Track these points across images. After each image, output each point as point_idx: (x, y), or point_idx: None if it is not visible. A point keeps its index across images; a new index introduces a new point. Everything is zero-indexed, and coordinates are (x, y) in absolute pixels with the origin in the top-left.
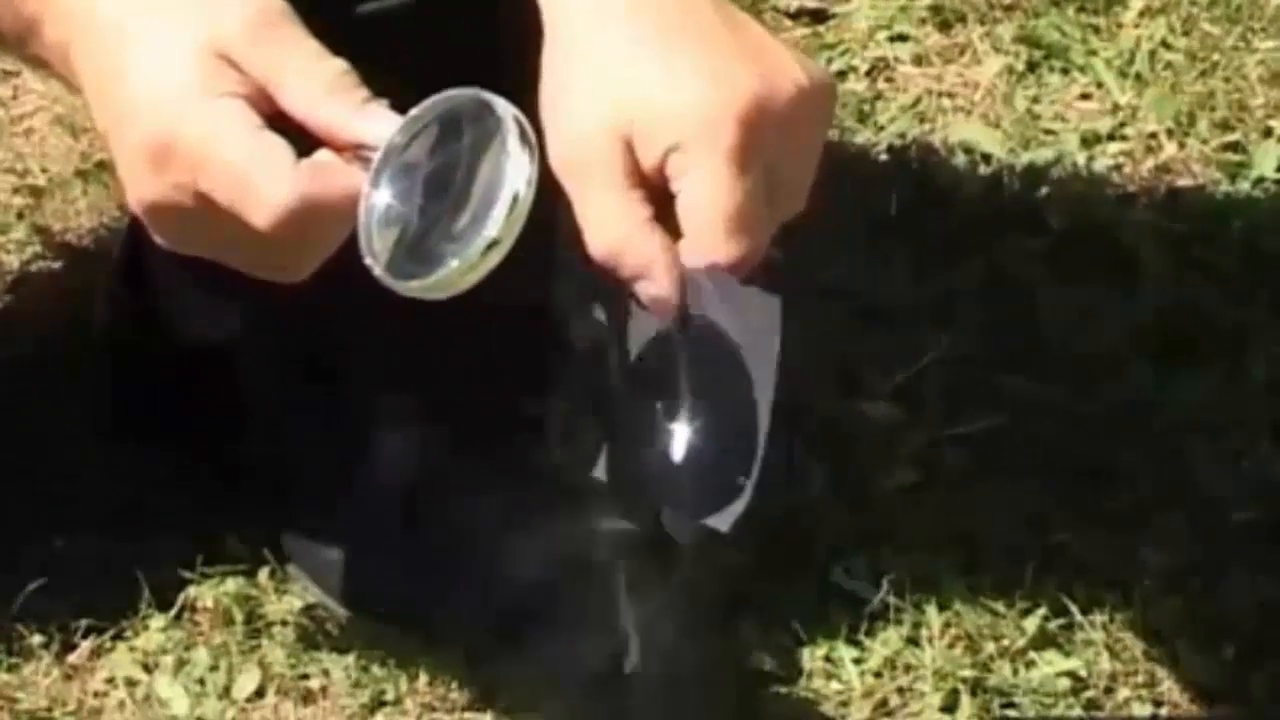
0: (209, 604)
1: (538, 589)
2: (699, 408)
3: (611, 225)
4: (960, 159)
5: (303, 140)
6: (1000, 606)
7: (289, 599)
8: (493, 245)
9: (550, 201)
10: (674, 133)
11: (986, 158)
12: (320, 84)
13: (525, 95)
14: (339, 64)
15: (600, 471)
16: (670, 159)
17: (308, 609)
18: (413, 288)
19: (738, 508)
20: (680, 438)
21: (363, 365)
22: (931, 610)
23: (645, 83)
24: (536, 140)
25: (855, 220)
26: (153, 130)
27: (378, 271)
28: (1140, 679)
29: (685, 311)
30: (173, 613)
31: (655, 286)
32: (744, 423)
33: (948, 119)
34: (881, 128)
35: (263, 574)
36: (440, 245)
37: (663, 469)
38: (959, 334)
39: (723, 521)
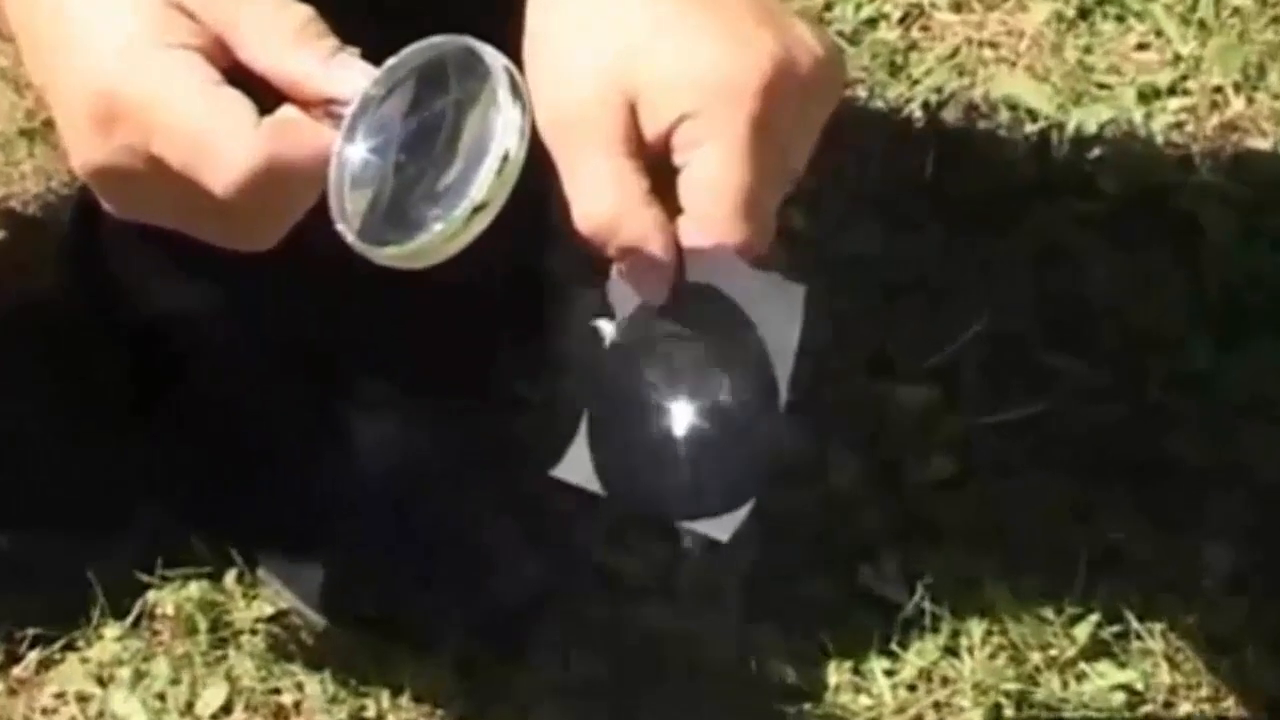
0: (169, 610)
1: (535, 592)
2: (702, 386)
3: (604, 196)
4: (1003, 116)
5: (265, 96)
6: (1047, 612)
7: (258, 605)
8: (480, 208)
9: (543, 162)
10: (689, 99)
11: (1032, 115)
12: (284, 33)
13: (517, 43)
14: (304, 10)
15: (574, 468)
16: (680, 128)
17: (279, 616)
18: (389, 255)
19: (741, 513)
20: (680, 419)
21: (338, 343)
22: (971, 616)
23: (658, 41)
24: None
25: (886, 185)
26: (97, 87)
27: (350, 238)
28: (1203, 692)
29: (682, 291)
30: (129, 620)
31: (649, 266)
32: (754, 411)
33: (989, 71)
34: (916, 81)
35: (229, 577)
36: (421, 209)
37: (659, 455)
38: (1001, 310)
39: (722, 528)
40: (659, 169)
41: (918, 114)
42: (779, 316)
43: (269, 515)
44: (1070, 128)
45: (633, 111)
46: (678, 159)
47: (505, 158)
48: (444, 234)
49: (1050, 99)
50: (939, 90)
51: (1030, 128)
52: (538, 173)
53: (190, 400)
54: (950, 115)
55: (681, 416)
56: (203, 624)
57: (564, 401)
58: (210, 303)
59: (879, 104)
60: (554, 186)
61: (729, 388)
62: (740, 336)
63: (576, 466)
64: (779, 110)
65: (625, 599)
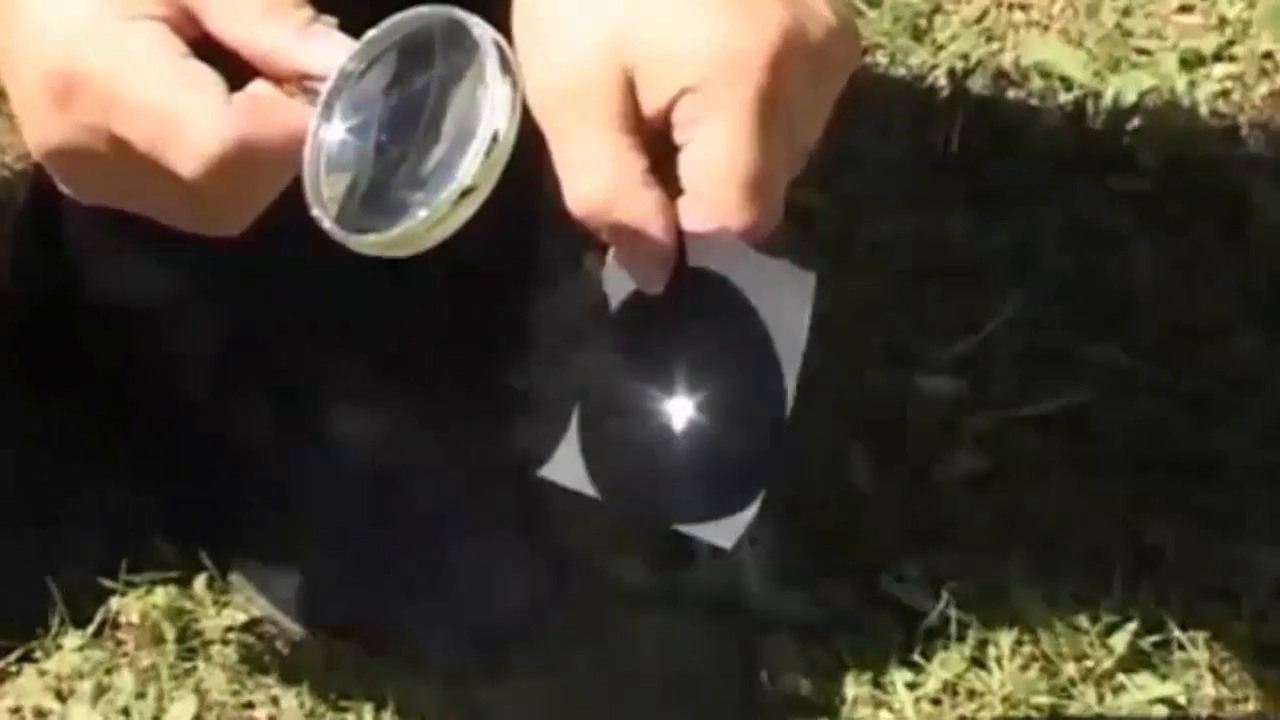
0: (134, 618)
1: (527, 599)
2: (703, 380)
3: (599, 175)
4: (1035, 85)
5: (236, 70)
6: (1082, 620)
7: (230, 612)
8: (467, 192)
9: (534, 141)
10: (691, 72)
11: (1066, 83)
12: (255, 1)
13: (506, 14)
14: None
15: (564, 469)
16: (681, 103)
17: (252, 624)
18: (369, 243)
19: (745, 516)
20: (679, 416)
21: (315, 334)
22: (1000, 625)
23: (657, 9)
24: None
25: (908, 159)
26: (54, 60)
27: (327, 225)
28: (1250, 707)
29: (682, 278)
30: (91, 629)
31: (646, 251)
32: (760, 407)
33: (1020, 36)
34: (940, 47)
35: (198, 583)
36: (403, 193)
37: (656, 455)
38: (1032, 296)
39: (725, 534)
40: (658, 147)
41: (942, 83)
42: (787, 305)
43: (241, 516)
44: (1107, 97)
45: (630, 85)
46: (679, 136)
47: (494, 138)
48: (428, 220)
49: (1086, 66)
50: (965, 57)
51: (1064, 97)
52: (528, 153)
53: (155, 394)
54: (977, 84)
55: (680, 413)
56: (170, 633)
57: (554, 397)
58: (176, 290)
59: (900, 72)
60: (546, 167)
61: (732, 382)
62: (745, 327)
63: (567, 467)
64: (788, 83)
65: (622, 607)
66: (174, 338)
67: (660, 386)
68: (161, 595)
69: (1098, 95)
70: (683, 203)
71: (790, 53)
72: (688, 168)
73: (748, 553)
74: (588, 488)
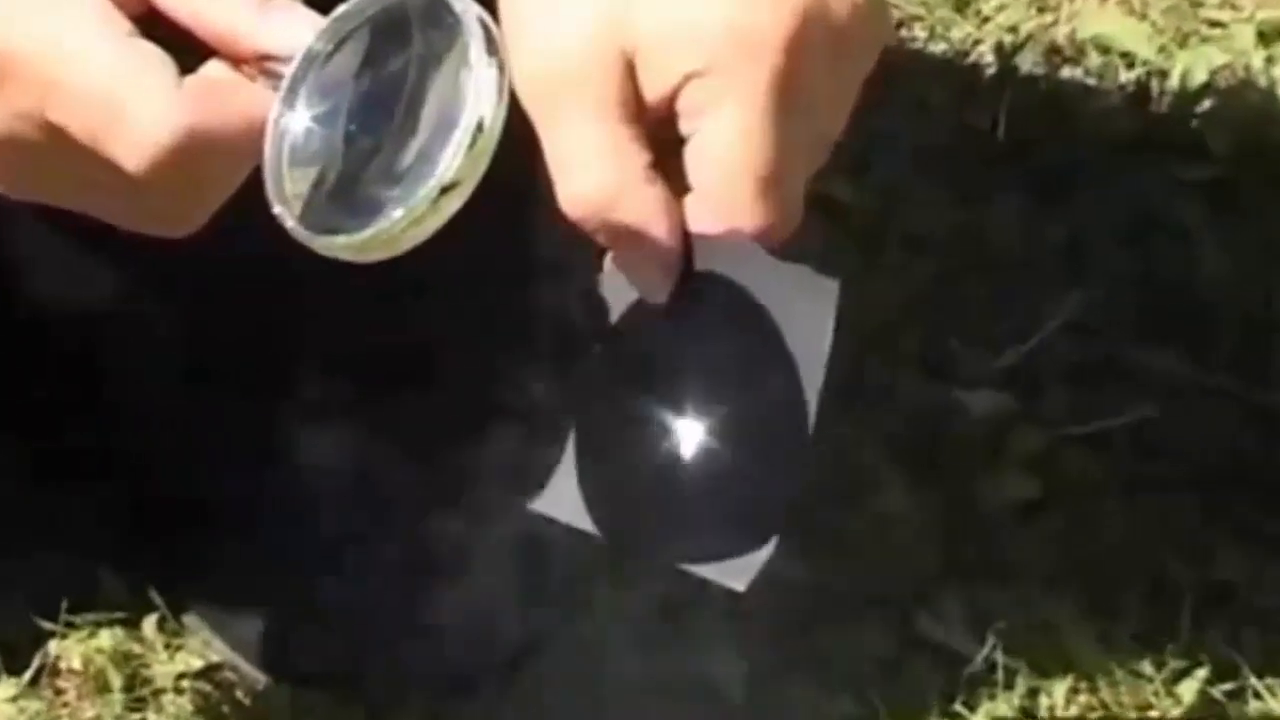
0: (75, 664)
1: (516, 641)
2: (713, 400)
3: (596, 170)
4: (1093, 61)
5: (188, 51)
6: (1145, 666)
7: (184, 657)
8: (448, 189)
9: (524, 132)
10: (697, 54)
11: (1128, 60)
12: None
13: None
14: None
15: (559, 502)
16: (686, 89)
17: (209, 670)
18: (338, 246)
19: (761, 554)
20: (687, 441)
21: (280, 345)
22: (1053, 670)
23: None
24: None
25: (950, 144)
26: None
27: (290, 224)
28: None
29: (690, 286)
30: (27, 676)
31: (649, 255)
32: (778, 431)
33: (1076, 7)
34: (986, 19)
35: (148, 624)
36: (376, 189)
37: (661, 485)
38: (1088, 297)
39: (739, 575)
40: (662, 139)
41: (988, 59)
42: (807, 316)
43: (197, 550)
44: (1174, 76)
45: (630, 69)
46: (684, 126)
47: (479, 127)
48: (405, 220)
49: (1150, 40)
50: (1014, 30)
51: (1125, 75)
52: (517, 146)
53: (101, 411)
54: (1027, 61)
55: (689, 438)
56: (116, 680)
57: (546, 420)
58: (122, 297)
59: (941, 47)
60: (536, 162)
61: (746, 402)
62: (760, 340)
63: (561, 500)
64: (807, 66)
65: (622, 650)
66: (121, 349)
67: (665, 407)
68: (107, 638)
69: (1163, 73)
70: (689, 201)
71: (809, 30)
72: (695, 161)
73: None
74: (585, 523)
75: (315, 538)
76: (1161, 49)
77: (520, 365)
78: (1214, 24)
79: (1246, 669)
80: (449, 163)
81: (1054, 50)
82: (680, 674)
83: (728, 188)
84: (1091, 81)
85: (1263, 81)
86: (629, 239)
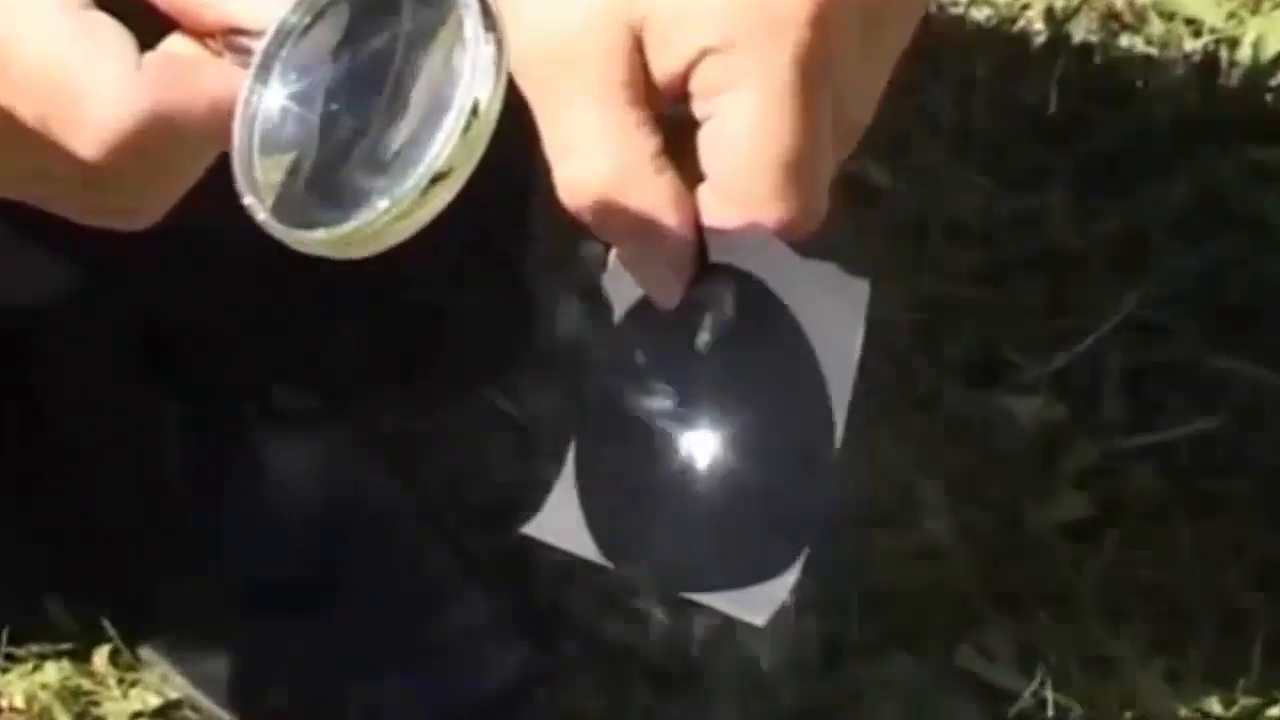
0: (19, 701)
1: (509, 677)
2: (730, 410)
3: (600, 157)
4: (1154, 29)
5: (148, 25)
6: (1213, 705)
7: (139, 694)
8: (440, 178)
9: (522, 115)
10: (713, 29)
11: (1194, 27)
12: None
13: None
14: None
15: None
16: (701, 67)
17: (167, 708)
18: (316, 241)
19: (783, 583)
20: (700, 456)
21: (248, 348)
22: (1109, 709)
23: None
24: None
25: (995, 123)
26: None
27: (261, 217)
28: None
29: (703, 284)
30: None
31: (658, 251)
32: (802, 445)
33: None
34: None
35: (99, 657)
36: (359, 178)
37: (670, 505)
38: (1150, 294)
39: (757, 607)
40: (673, 123)
41: (1038, 27)
42: (835, 319)
43: (155, 573)
44: (1245, 45)
45: (638, 46)
46: (698, 109)
47: (474, 110)
48: (390, 213)
49: (1218, 5)
50: None
51: (1190, 45)
52: (515, 131)
53: (52, 421)
54: (1081, 29)
55: (702, 453)
56: (64, 718)
57: (545, 432)
58: (76, 295)
59: (985, 14)
60: (535, 148)
61: (766, 413)
62: (782, 345)
63: (559, 522)
64: (836, 40)
65: (630, 686)
66: (74, 352)
67: (676, 420)
68: (54, 672)
69: (1233, 42)
70: (703, 191)
71: (836, 8)
72: (710, 148)
73: (787, 624)
74: (587, 549)
75: (284, 562)
76: (1231, 15)
77: (516, 373)
78: None
79: None
80: (440, 149)
81: (1111, 16)
82: (698, 714)
83: (747, 177)
84: (1153, 51)
85: None
86: (635, 233)
